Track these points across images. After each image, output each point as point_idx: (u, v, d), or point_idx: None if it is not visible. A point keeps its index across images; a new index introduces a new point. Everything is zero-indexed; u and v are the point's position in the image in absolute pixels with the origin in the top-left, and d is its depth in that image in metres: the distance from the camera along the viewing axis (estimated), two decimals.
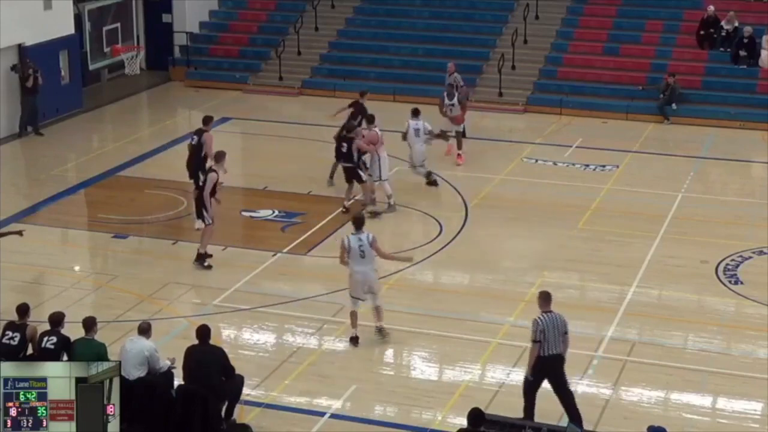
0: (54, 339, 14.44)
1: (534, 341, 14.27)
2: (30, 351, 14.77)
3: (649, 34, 32.97)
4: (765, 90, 30.17)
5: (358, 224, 17.02)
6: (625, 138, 28.50)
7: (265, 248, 21.03)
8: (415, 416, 15.22)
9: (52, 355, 14.29)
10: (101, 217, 22.79)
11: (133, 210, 23.00)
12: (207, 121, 22.45)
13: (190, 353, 14.31)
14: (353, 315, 17.05)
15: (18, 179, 25.47)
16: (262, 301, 18.63)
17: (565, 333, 14.39)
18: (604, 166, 25.95)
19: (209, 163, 21.10)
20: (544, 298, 14.57)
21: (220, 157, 20.44)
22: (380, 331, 17.17)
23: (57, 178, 25.39)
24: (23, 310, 15.01)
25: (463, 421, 12.95)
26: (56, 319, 14.75)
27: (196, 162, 21.81)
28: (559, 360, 14.38)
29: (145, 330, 14.52)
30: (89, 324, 14.55)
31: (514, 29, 32.97)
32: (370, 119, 23.19)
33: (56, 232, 22.26)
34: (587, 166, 25.97)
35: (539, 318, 14.33)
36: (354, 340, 17.08)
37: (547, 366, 14.33)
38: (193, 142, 22.11)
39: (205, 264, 20.07)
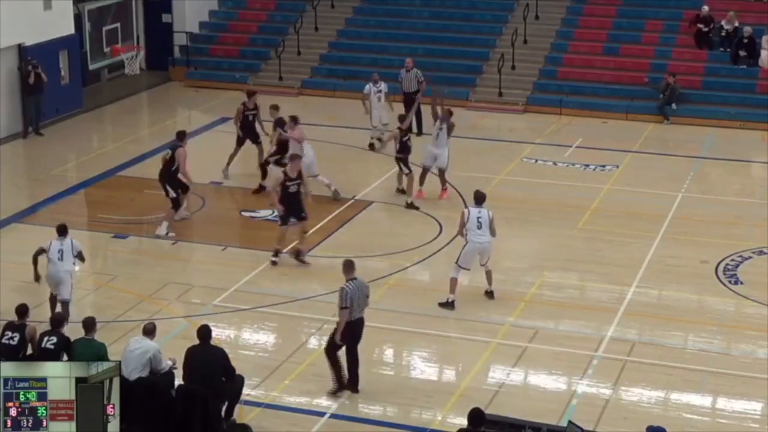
0: (54, 339, 14.44)
1: (342, 308, 15.24)
2: (29, 351, 14.80)
3: (648, 34, 32.98)
4: (765, 90, 30.18)
5: (480, 200, 18.62)
6: (625, 138, 28.52)
7: (265, 248, 21.00)
8: (414, 416, 15.23)
9: (52, 355, 14.29)
10: (101, 217, 22.79)
11: (133, 210, 22.99)
12: (181, 136, 22.00)
13: (191, 353, 14.32)
14: (454, 282, 18.34)
15: (18, 179, 25.47)
16: (262, 301, 18.64)
17: (367, 297, 15.52)
18: (604, 166, 25.95)
19: (181, 176, 21.38)
20: (349, 266, 15.53)
21: (295, 157, 20.70)
22: (491, 294, 18.70)
23: (57, 178, 25.39)
24: (23, 311, 15.01)
25: (463, 421, 12.94)
26: (57, 320, 14.76)
27: (167, 175, 21.58)
28: (362, 323, 15.50)
29: (150, 331, 14.52)
30: (89, 324, 14.56)
31: (514, 29, 32.98)
32: (295, 119, 23.32)
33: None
34: (587, 166, 25.98)
35: (346, 286, 15.26)
36: (451, 305, 18.30)
37: (355, 329, 15.38)
38: (167, 156, 21.79)
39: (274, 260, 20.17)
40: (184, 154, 21.48)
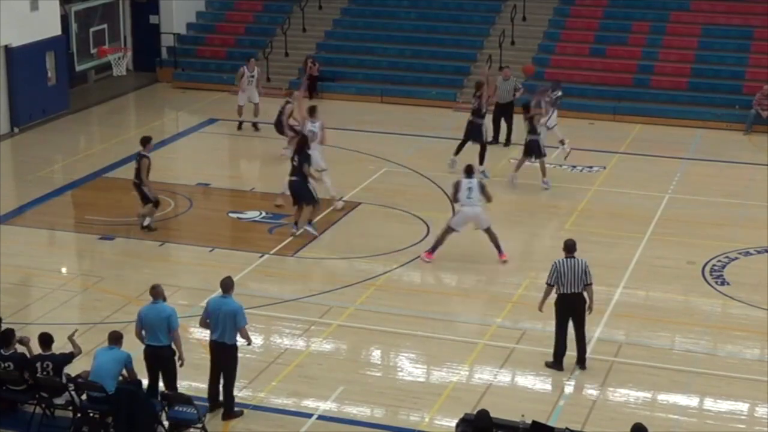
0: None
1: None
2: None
3: (635, 36, 33.06)
4: (751, 91, 30.24)
5: None
6: (611, 139, 28.58)
7: (252, 249, 21.02)
8: (402, 417, 15.23)
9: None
10: (88, 218, 22.74)
11: (119, 211, 22.94)
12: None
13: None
14: None
15: (4, 180, 25.37)
16: (249, 302, 18.53)
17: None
18: (591, 167, 25.99)
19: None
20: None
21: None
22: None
23: (44, 180, 25.33)
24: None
25: (451, 422, 12.96)
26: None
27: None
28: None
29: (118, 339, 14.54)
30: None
31: (501, 30, 33.03)
32: None
33: (43, 233, 22.22)
34: (574, 167, 26.01)
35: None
36: None
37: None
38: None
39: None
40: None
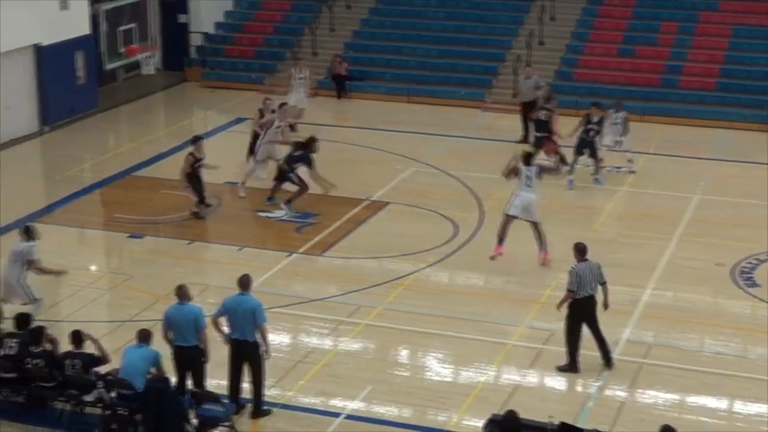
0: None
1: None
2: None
3: (664, 36, 32.94)
4: None
5: None
6: (640, 139, 28.39)
7: (280, 249, 21.07)
8: (430, 417, 15.23)
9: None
10: (117, 217, 22.84)
11: (148, 210, 23.05)
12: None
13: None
14: None
15: (34, 179, 25.53)
16: (277, 301, 18.63)
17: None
18: (619, 167, 25.89)
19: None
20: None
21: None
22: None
23: (73, 178, 25.45)
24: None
25: (479, 422, 12.94)
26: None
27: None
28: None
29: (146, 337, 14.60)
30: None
31: (529, 31, 32.97)
32: None
33: (72, 231, 22.33)
34: (602, 167, 25.89)
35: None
36: None
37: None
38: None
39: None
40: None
